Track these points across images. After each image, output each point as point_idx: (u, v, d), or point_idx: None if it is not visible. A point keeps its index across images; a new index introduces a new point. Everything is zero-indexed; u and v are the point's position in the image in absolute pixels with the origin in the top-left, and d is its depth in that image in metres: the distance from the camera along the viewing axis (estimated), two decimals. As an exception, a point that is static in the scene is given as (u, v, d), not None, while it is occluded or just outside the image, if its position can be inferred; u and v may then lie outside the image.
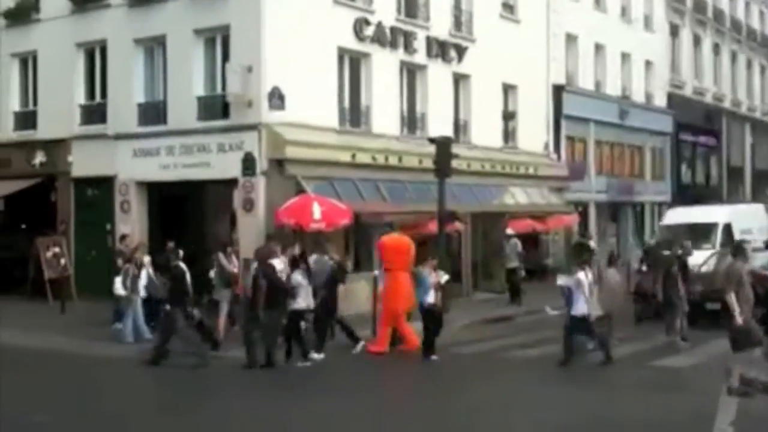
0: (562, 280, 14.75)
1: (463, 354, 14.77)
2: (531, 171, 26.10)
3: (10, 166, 22.42)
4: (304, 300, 13.59)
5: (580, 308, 13.37)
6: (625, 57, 32.77)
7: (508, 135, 26.63)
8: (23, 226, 22.79)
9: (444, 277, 14.70)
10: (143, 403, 11.40)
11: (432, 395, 11.74)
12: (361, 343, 14.80)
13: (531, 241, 24.63)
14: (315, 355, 13.77)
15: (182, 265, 13.95)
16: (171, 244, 15.64)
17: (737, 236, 21.22)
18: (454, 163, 18.58)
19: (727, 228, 22.57)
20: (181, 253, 14.51)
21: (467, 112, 24.62)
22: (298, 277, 13.69)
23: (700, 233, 21.99)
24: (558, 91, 28.43)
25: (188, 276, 13.90)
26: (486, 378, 12.96)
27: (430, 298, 14.09)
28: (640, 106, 33.21)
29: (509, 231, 22.23)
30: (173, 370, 13.17)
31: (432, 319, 14.14)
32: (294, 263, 14.22)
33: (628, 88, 33.00)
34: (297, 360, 13.48)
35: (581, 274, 13.53)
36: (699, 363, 13.40)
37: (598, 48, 31.18)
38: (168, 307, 13.58)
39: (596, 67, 31.20)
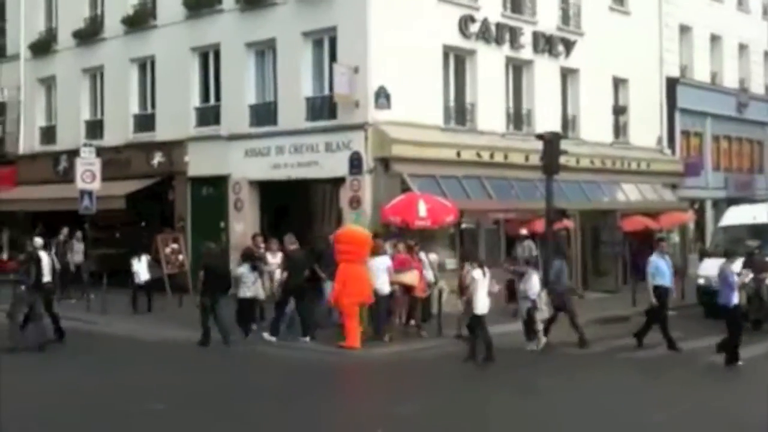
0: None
1: (588, 353, 14.34)
2: (643, 167, 25.41)
3: (131, 166, 23.47)
4: (249, 290, 15.20)
5: (478, 307, 13.25)
6: (742, 48, 31.52)
7: (619, 130, 26.05)
8: (143, 224, 23.85)
9: (749, 276, 14.08)
10: (254, 392, 11.68)
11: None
12: (306, 339, 14.79)
13: (643, 238, 23.91)
14: (301, 339, 14.75)
15: None
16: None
17: None
18: (562, 160, 18.33)
19: None
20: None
21: (576, 107, 24.21)
22: (243, 269, 15.28)
23: None
24: (672, 83, 27.62)
25: None
26: (611, 377, 12.70)
27: (735, 298, 13.09)
28: (759, 99, 31.81)
29: (523, 231, 19.33)
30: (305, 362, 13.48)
31: (734, 320, 13.10)
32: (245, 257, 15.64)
33: (747, 79, 31.69)
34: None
35: (477, 272, 13.37)
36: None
37: (714, 39, 30.10)
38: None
39: (712, 58, 30.13)
